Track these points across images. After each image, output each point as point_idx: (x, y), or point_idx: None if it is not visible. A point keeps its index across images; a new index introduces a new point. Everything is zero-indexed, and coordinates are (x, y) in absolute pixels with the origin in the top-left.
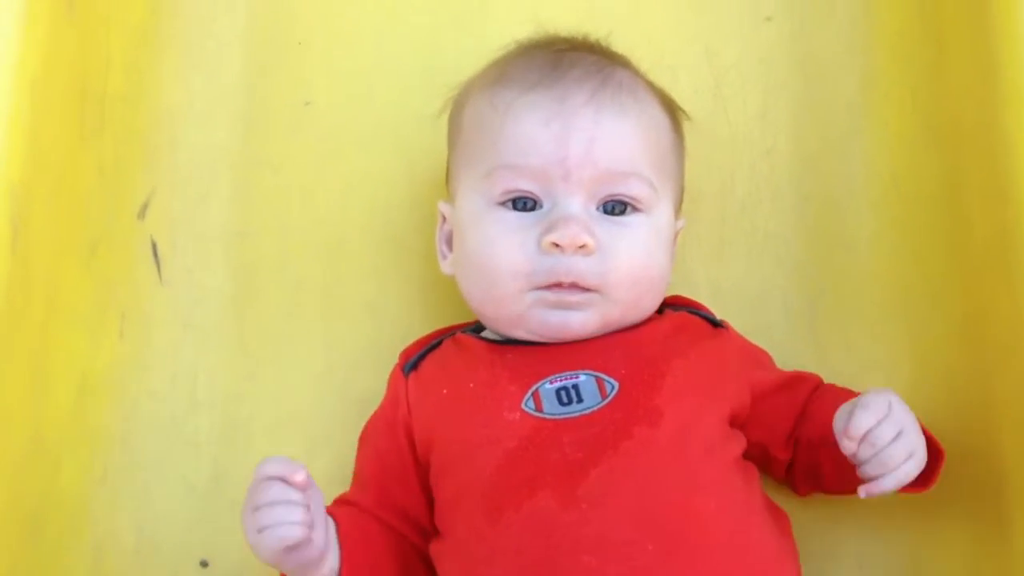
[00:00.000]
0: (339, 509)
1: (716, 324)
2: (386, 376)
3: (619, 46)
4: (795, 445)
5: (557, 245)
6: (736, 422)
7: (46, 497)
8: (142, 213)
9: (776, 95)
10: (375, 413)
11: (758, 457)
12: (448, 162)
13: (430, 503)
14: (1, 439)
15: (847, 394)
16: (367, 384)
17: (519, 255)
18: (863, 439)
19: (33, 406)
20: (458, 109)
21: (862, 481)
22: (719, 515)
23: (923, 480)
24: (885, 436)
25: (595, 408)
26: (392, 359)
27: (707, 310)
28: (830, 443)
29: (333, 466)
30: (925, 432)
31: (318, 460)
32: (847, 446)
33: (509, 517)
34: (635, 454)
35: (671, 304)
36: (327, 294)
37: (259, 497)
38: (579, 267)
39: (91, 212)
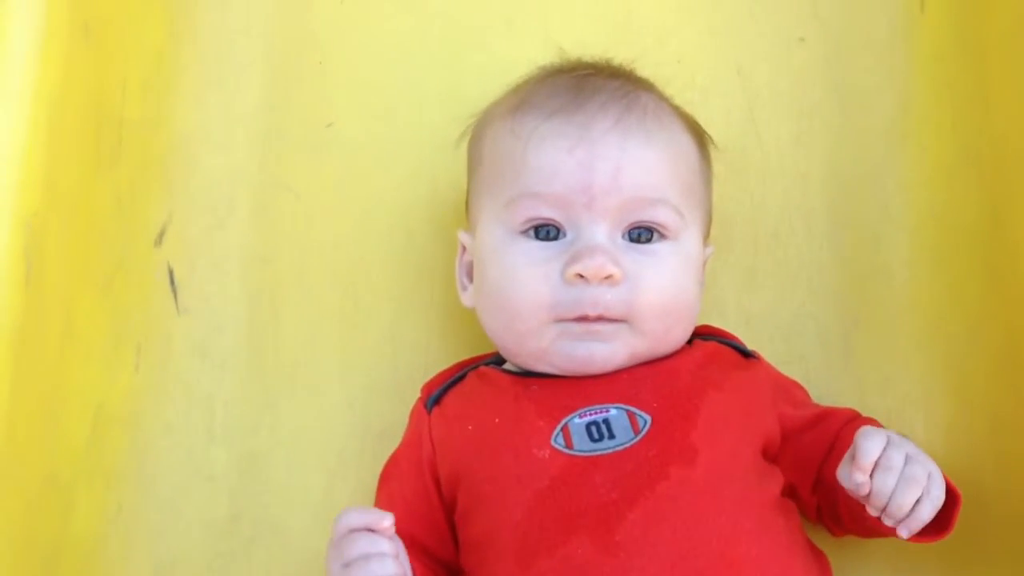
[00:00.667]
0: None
1: (747, 355)
2: (406, 406)
3: (649, 67)
4: (819, 486)
5: (582, 276)
6: (768, 456)
7: (60, 535)
8: (159, 240)
9: (810, 119)
10: (397, 451)
11: (793, 496)
12: (468, 191)
13: (458, 544)
14: (14, 476)
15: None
16: (387, 414)
17: (543, 287)
18: (875, 467)
19: (47, 441)
20: (478, 137)
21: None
22: (760, 563)
23: (939, 526)
24: (896, 459)
25: (628, 444)
26: (413, 389)
27: (738, 340)
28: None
29: (355, 499)
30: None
31: (338, 494)
32: (860, 482)
33: (543, 563)
34: (672, 496)
35: (700, 334)
36: (347, 322)
37: (348, 551)
38: (605, 298)
39: (107, 240)
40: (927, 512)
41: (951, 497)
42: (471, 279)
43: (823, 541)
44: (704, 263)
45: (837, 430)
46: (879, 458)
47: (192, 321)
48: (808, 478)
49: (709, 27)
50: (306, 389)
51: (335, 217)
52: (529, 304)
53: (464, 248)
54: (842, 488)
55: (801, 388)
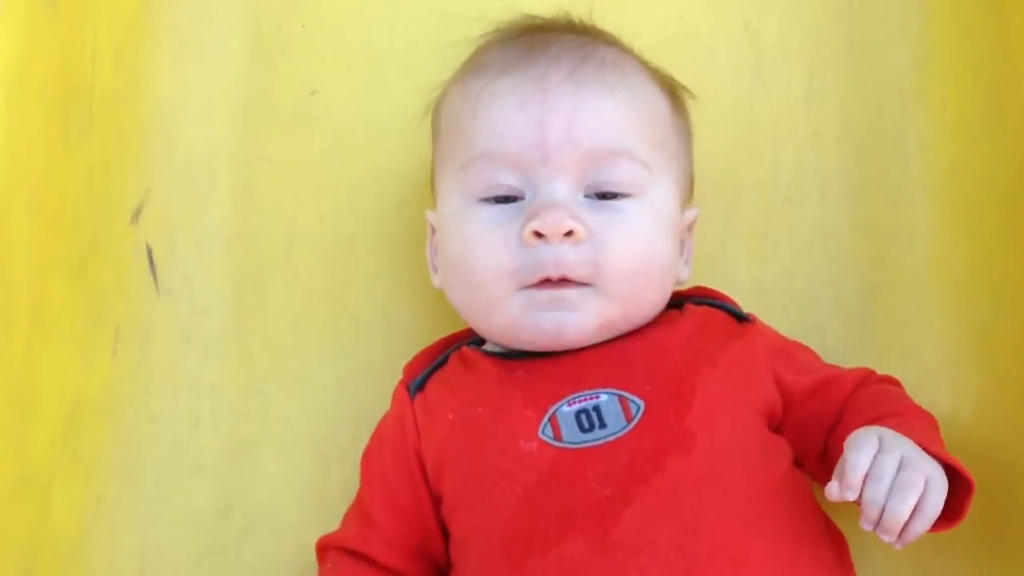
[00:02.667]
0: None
1: (741, 318)
2: None
3: (651, 25)
4: (826, 458)
5: (540, 234)
6: (772, 427)
7: (37, 534)
8: (135, 218)
9: (822, 75)
10: (379, 433)
11: (801, 465)
12: (432, 167)
13: (447, 535)
14: None
15: (887, 398)
16: (382, 398)
17: (502, 252)
18: (866, 480)
19: (19, 436)
20: (436, 109)
21: None
22: (767, 555)
23: (951, 514)
24: (887, 466)
25: (620, 434)
26: None
27: (731, 301)
28: None
29: (349, 486)
30: (948, 458)
31: (332, 480)
32: (850, 499)
33: (535, 563)
34: (670, 490)
35: (691, 296)
36: (336, 300)
37: None
38: (567, 257)
39: (79, 219)
40: (920, 527)
41: (965, 484)
42: None
43: (841, 516)
44: (689, 227)
45: (845, 397)
46: (869, 468)
47: (173, 303)
48: (814, 449)
49: None
50: (296, 373)
51: (322, 191)
52: (490, 271)
53: (433, 229)
54: None
55: (805, 349)
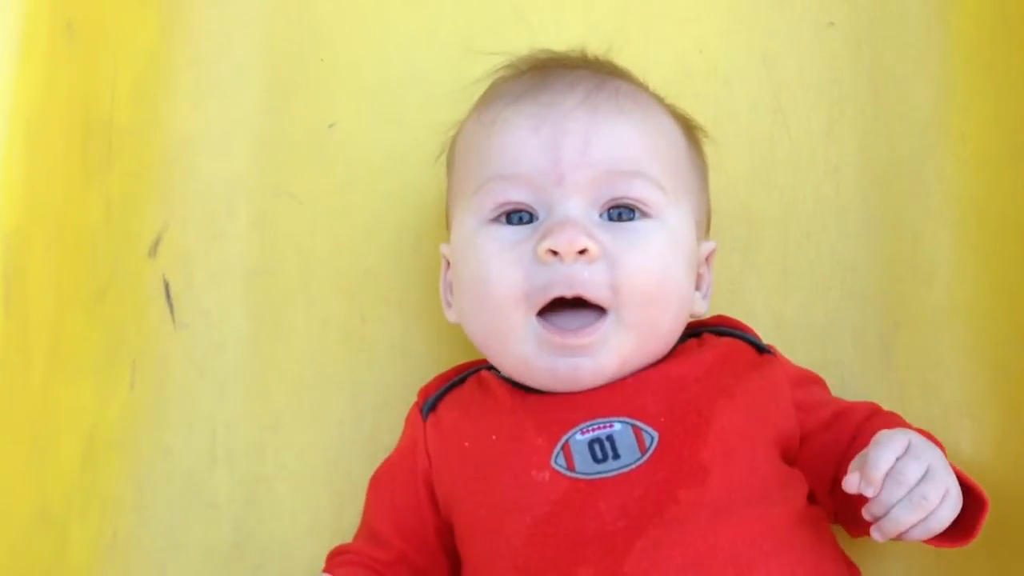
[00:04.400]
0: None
1: (762, 349)
2: None
3: (669, 56)
4: (837, 489)
5: (554, 252)
6: (787, 459)
7: (53, 568)
8: (153, 251)
9: (841, 108)
10: (391, 457)
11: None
12: (446, 202)
13: (451, 562)
14: (2, 508)
15: (897, 423)
16: (398, 431)
17: (516, 272)
18: (886, 480)
19: (36, 471)
20: (451, 144)
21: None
22: None
23: (963, 532)
24: (911, 472)
25: (634, 466)
26: None
27: (752, 332)
28: None
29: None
30: (962, 476)
31: (349, 518)
32: (869, 494)
33: None
34: (683, 522)
35: (711, 326)
36: (354, 335)
37: None
38: (582, 276)
39: (97, 253)
40: (917, 536)
41: (978, 502)
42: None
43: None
44: (706, 259)
45: (855, 429)
46: (891, 468)
47: (190, 337)
48: (825, 481)
49: (732, 12)
50: (312, 408)
51: (340, 224)
52: (503, 294)
53: (447, 263)
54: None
55: (819, 381)
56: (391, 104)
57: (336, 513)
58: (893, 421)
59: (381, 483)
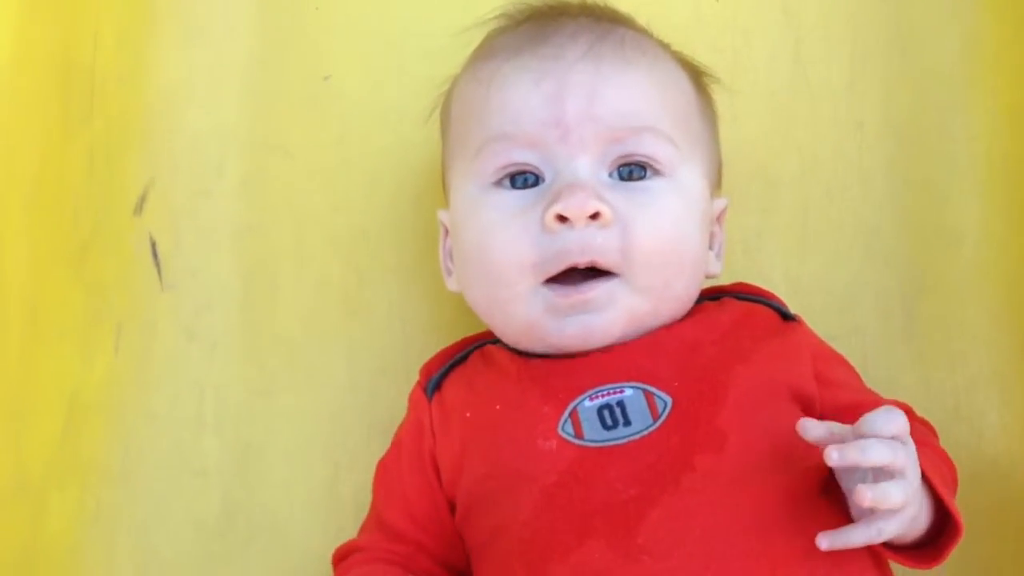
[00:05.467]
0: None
1: (787, 317)
2: None
3: (687, 8)
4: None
5: (564, 218)
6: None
7: (31, 542)
8: (139, 208)
9: (865, 62)
10: (396, 442)
11: None
12: (442, 164)
13: (452, 544)
14: None
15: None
16: (396, 400)
17: (523, 241)
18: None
19: (14, 439)
20: (446, 101)
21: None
22: (806, 562)
23: (933, 553)
24: (876, 456)
25: (646, 432)
26: None
27: (778, 300)
28: None
29: (361, 492)
30: (945, 500)
31: (342, 486)
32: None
33: (554, 569)
34: (700, 490)
35: (732, 292)
36: (350, 297)
37: None
38: (595, 242)
39: (80, 210)
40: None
41: (953, 527)
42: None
43: None
44: (718, 217)
45: None
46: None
47: (178, 298)
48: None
49: None
50: (306, 372)
51: (335, 181)
52: (510, 262)
53: (446, 230)
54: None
55: (848, 365)
56: (390, 55)
57: (330, 483)
58: (921, 434)
59: (389, 471)
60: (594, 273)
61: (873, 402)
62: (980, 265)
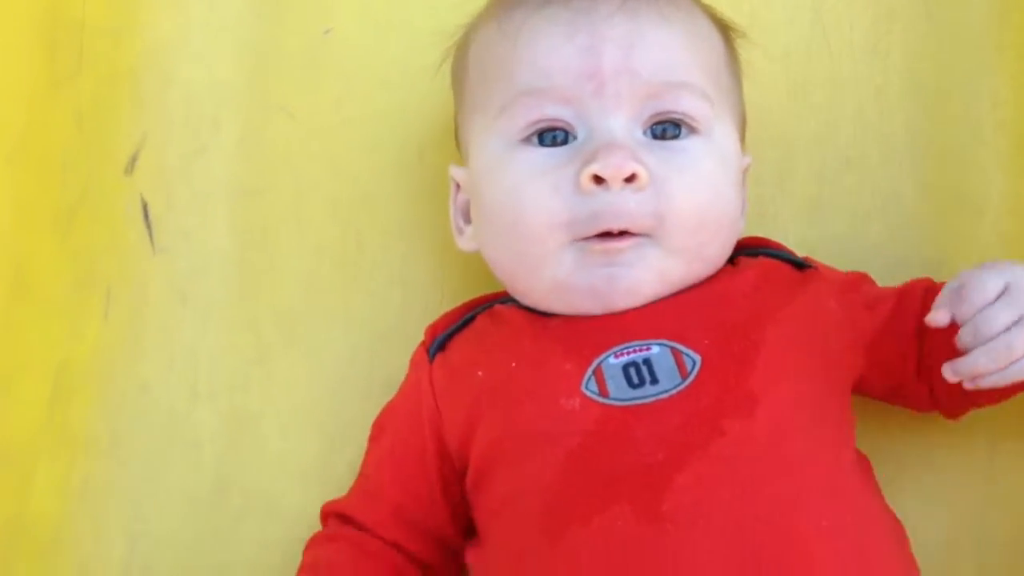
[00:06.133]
0: (341, 547)
1: (801, 265)
2: None
3: None
4: (929, 367)
5: (600, 179)
6: (852, 381)
7: (18, 515)
8: (130, 168)
9: (889, 23)
10: (393, 401)
11: (897, 396)
12: (456, 118)
13: (455, 515)
14: None
15: None
16: (395, 369)
17: (554, 200)
18: (970, 320)
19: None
20: (461, 52)
21: None
22: (832, 535)
23: None
24: (999, 319)
25: (674, 392)
26: None
27: (787, 249)
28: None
29: (357, 464)
30: None
31: (338, 458)
32: (939, 319)
33: (575, 533)
34: (729, 457)
35: (743, 248)
36: (349, 262)
37: None
38: (629, 206)
39: (67, 169)
40: (994, 381)
41: None
42: (467, 220)
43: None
44: (744, 171)
45: (919, 305)
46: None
47: (170, 262)
48: (910, 369)
49: None
50: (303, 341)
51: (335, 141)
52: (541, 222)
53: (458, 186)
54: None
55: (866, 278)
56: (393, 8)
57: (326, 455)
58: None
59: (382, 428)
60: (625, 236)
61: (898, 298)
62: (1002, 235)
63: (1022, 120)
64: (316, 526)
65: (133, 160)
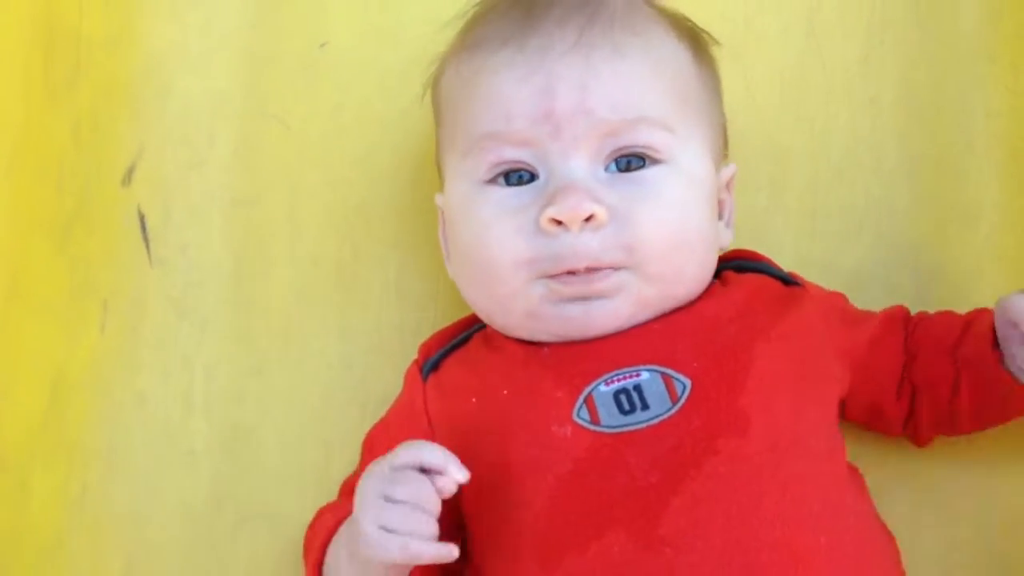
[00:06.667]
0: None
1: (788, 281)
2: None
3: None
4: (911, 392)
5: (558, 222)
6: (839, 401)
7: (13, 526)
8: (127, 179)
9: (881, 34)
10: (386, 418)
11: (872, 418)
12: (436, 149)
13: (451, 537)
14: None
15: (949, 315)
16: (390, 378)
17: (518, 240)
18: None
19: None
20: (435, 87)
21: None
22: (830, 552)
23: None
24: None
25: (665, 416)
26: None
27: (774, 264)
28: (974, 364)
29: (353, 476)
30: None
31: (335, 468)
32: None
33: (571, 562)
34: (724, 476)
35: (728, 261)
36: (344, 272)
37: (400, 488)
38: (590, 246)
39: (64, 181)
40: None
41: None
42: None
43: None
44: (727, 185)
45: (903, 329)
46: None
47: (167, 274)
48: (890, 390)
49: None
50: (299, 351)
51: (331, 152)
52: (505, 262)
53: (443, 213)
54: (970, 369)
55: (844, 298)
56: (388, 21)
57: (323, 465)
58: (946, 314)
59: (376, 445)
60: (595, 272)
61: (884, 321)
62: (996, 247)
63: (1015, 131)
64: None
65: (130, 171)
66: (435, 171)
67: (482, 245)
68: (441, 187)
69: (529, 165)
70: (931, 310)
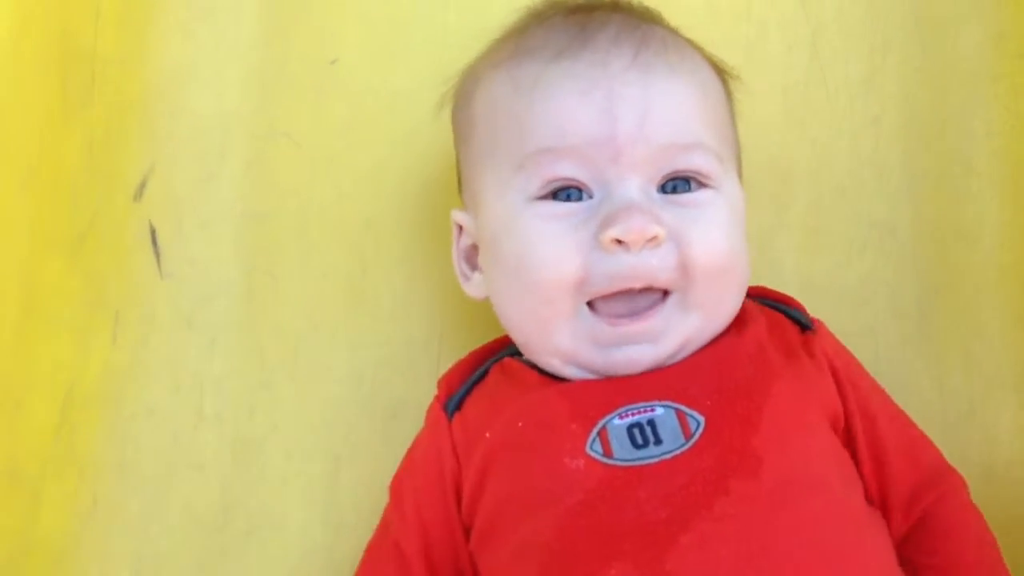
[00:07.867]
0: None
1: (805, 327)
2: (421, 383)
3: None
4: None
5: (620, 242)
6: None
7: (24, 537)
8: (138, 194)
9: (884, 55)
10: (412, 456)
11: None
12: (460, 165)
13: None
14: None
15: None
16: (399, 393)
17: (574, 259)
18: None
19: (7, 430)
20: (465, 100)
21: None
22: None
23: None
24: None
25: (678, 452)
26: (428, 363)
27: (797, 304)
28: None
29: (361, 488)
30: None
31: (343, 481)
32: None
33: None
34: (734, 517)
35: (753, 298)
36: (354, 287)
37: None
38: (650, 264)
39: (77, 195)
40: None
41: None
42: (473, 266)
43: None
44: None
45: (936, 485)
46: None
47: (177, 287)
48: (899, 501)
49: None
50: (308, 365)
51: (341, 168)
52: (557, 278)
53: (460, 228)
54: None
55: (869, 377)
56: (398, 39)
57: (331, 477)
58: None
59: (404, 492)
60: (645, 290)
61: (910, 444)
62: (997, 265)
63: (1017, 150)
64: (320, 548)
65: (142, 187)
66: (444, 187)
67: (531, 262)
68: (459, 202)
69: (582, 183)
70: (932, 327)
